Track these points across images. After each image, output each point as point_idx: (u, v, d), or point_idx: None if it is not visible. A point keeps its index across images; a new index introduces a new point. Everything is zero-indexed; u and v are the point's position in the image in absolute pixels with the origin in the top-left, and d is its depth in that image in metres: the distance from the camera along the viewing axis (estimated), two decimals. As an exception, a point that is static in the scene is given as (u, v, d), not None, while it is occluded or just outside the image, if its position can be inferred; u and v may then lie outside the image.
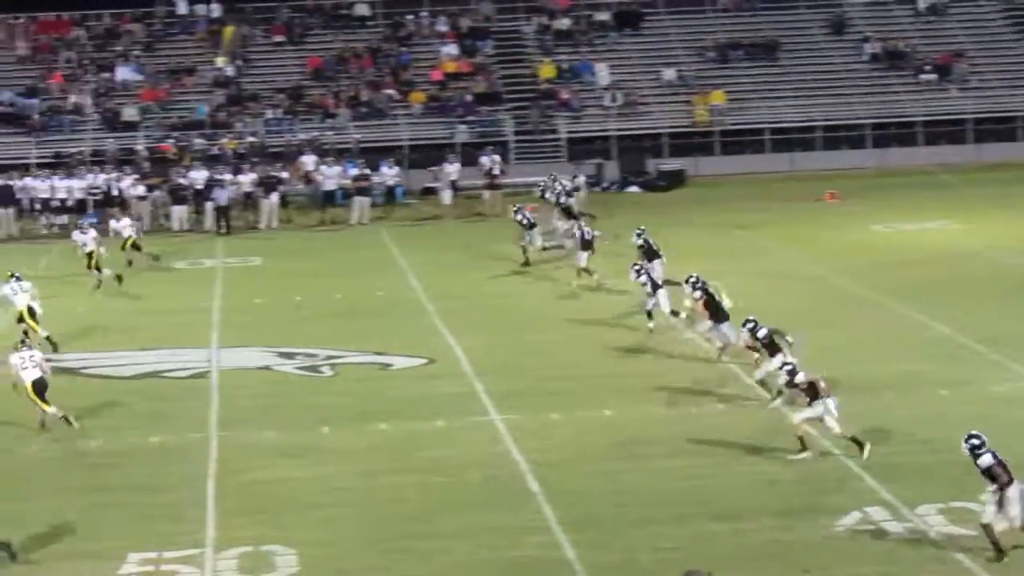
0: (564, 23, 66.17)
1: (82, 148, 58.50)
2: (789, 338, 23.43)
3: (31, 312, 32.40)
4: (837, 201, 52.03)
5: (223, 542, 20.32)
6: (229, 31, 65.83)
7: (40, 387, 25.13)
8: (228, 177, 52.13)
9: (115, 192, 51.24)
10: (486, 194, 52.12)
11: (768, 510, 19.73)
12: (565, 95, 61.89)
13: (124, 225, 43.22)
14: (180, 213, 50.79)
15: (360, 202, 50.87)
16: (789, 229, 46.22)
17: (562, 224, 43.44)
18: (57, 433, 26.03)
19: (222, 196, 50.01)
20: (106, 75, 63.37)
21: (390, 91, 61.98)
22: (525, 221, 39.72)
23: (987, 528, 17.69)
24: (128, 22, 66.78)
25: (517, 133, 60.88)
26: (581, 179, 50.37)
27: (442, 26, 65.97)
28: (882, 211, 49.49)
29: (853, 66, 63.53)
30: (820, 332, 27.82)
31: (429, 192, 54.12)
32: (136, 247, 41.19)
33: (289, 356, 31.71)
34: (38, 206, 51.94)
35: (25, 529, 20.44)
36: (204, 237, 49.23)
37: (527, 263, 40.09)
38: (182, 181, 52.06)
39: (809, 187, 54.44)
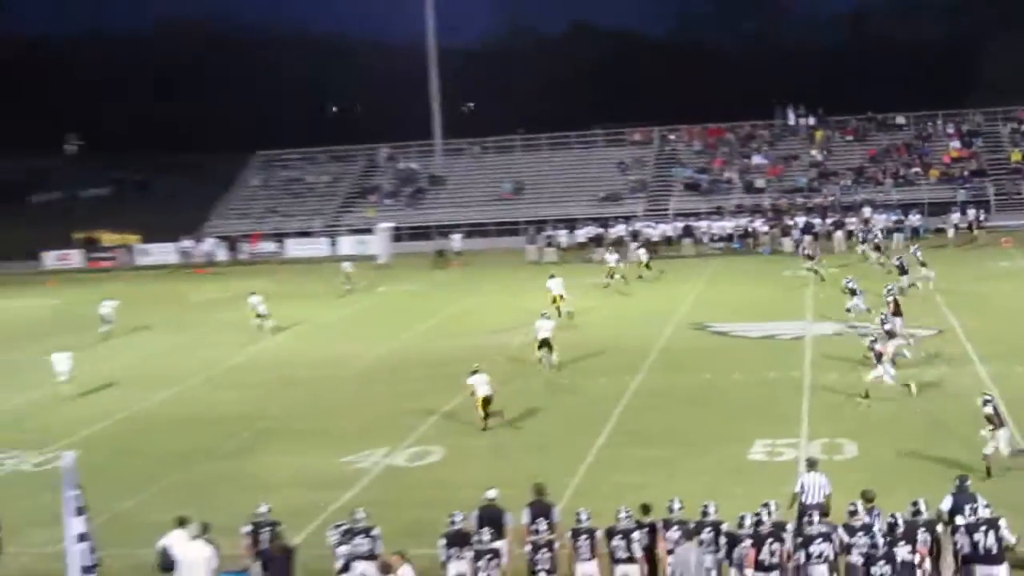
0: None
1: (731, 202, 79.38)
2: None
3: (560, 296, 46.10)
4: None
5: (813, 435, 28.15)
6: (820, 133, 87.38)
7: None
8: (818, 221, 70.74)
9: (749, 229, 72.63)
10: (976, 232, 68.21)
11: None
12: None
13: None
14: (789, 244, 67.81)
15: (896, 236, 65.93)
16: None
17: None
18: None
19: (808, 233, 66.36)
20: (746, 160, 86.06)
21: (917, 169, 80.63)
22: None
23: (986, 457, 24.11)
24: (759, 128, 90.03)
25: (996, 195, 77.10)
26: None
27: (950, 129, 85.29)
28: None
29: None
30: None
31: (940, 231, 70.26)
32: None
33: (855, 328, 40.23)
34: (705, 239, 72.82)
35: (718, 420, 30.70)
36: (798, 258, 60.57)
37: None
38: (789, 222, 71.02)
39: None
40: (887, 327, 35.71)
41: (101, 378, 42.53)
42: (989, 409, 25.16)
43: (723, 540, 19.08)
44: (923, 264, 50.25)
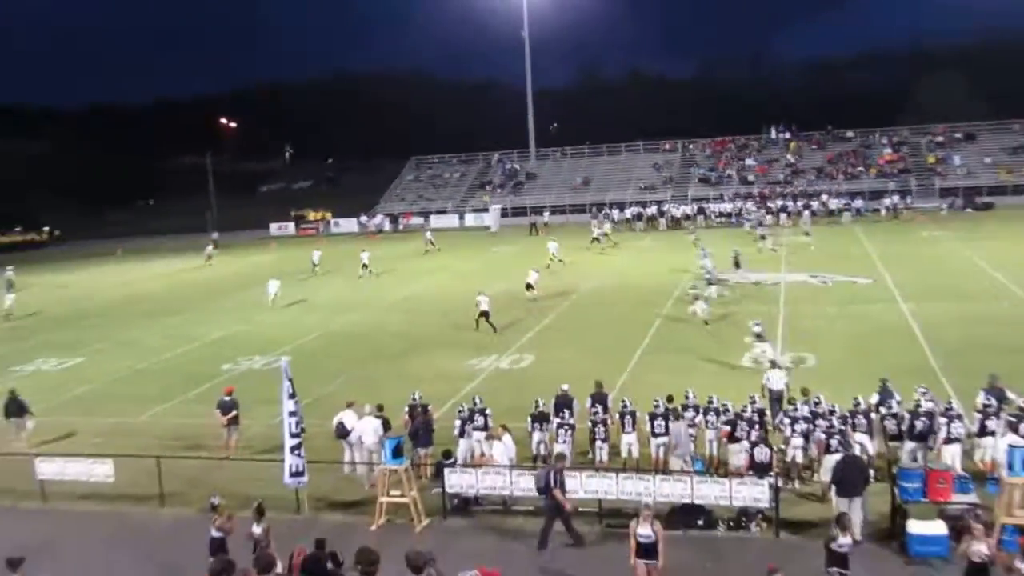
0: None
1: (730, 191, 78.26)
2: None
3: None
4: None
5: (784, 350, 27.61)
6: (793, 144, 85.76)
7: None
8: (791, 203, 69.73)
9: (743, 208, 70.26)
10: (901, 212, 66.97)
11: None
12: None
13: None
14: (771, 219, 67.04)
15: (845, 215, 68.83)
16: None
17: None
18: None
19: (783, 212, 70.84)
20: (742, 162, 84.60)
21: (861, 168, 78.15)
22: None
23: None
24: (751, 140, 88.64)
25: (916, 186, 73.91)
26: None
27: (885, 140, 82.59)
28: None
29: None
30: None
31: (876, 211, 67.71)
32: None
33: (815, 276, 41.07)
34: (712, 215, 71.18)
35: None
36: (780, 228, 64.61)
37: None
38: (771, 204, 70.37)
39: None
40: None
41: (307, 306, 43.43)
42: (757, 329, 27.14)
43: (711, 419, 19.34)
44: (806, 234, 55.14)
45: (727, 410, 19.24)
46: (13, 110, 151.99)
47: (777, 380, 21.54)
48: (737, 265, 43.53)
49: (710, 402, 19.59)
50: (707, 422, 19.30)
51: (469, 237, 68.79)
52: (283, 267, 58.59)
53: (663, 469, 18.10)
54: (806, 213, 67.47)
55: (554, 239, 54.38)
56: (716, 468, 18.75)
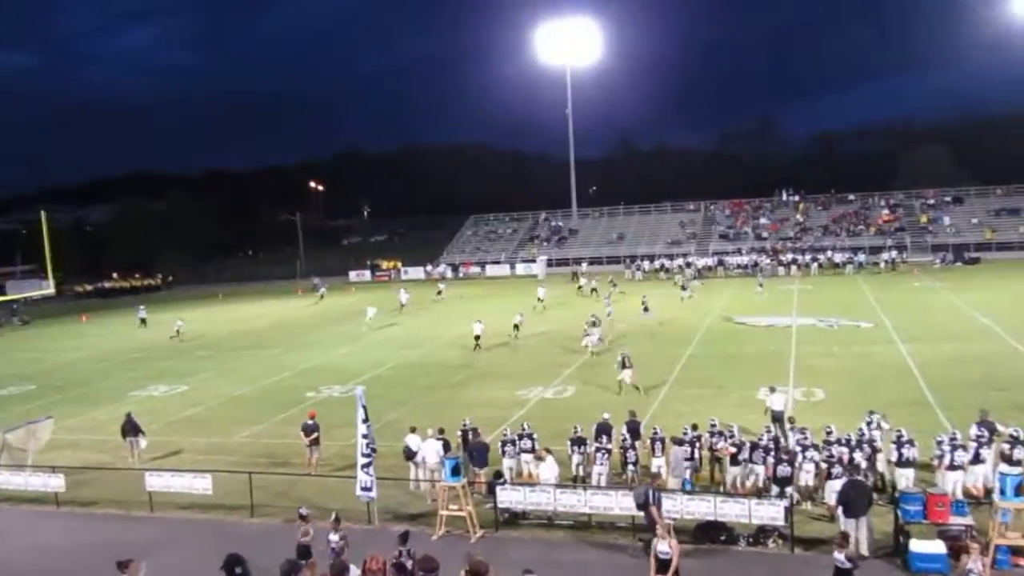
0: None
1: (746, 246, 77.10)
2: None
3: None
4: None
5: (796, 384, 27.57)
6: (801, 205, 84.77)
7: None
8: (800, 257, 69.28)
9: (757, 261, 69.23)
10: (897, 265, 65.20)
11: None
12: None
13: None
14: (782, 271, 67.08)
15: (848, 267, 68.40)
16: None
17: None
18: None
19: (793, 264, 68.94)
20: (756, 220, 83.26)
21: (861, 226, 76.57)
22: None
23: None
24: (764, 202, 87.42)
25: (911, 242, 72.44)
26: None
27: (882, 202, 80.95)
28: None
29: None
30: None
31: (875, 264, 66.52)
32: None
33: (823, 321, 39.99)
34: (731, 267, 70.05)
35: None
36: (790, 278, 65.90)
37: None
38: (782, 258, 69.20)
39: None
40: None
41: (380, 340, 43.37)
42: (620, 358, 28.47)
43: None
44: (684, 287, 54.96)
45: (732, 434, 18.79)
46: (141, 175, 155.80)
47: (778, 402, 21.32)
48: (645, 309, 44.51)
49: (713, 426, 19.29)
50: (712, 444, 18.91)
51: (519, 283, 68.45)
52: (360, 307, 58.87)
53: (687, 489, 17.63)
54: (813, 265, 67.29)
55: (544, 285, 55.37)
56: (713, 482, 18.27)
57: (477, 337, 38.78)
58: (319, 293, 70.21)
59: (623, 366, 28.26)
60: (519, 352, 37.42)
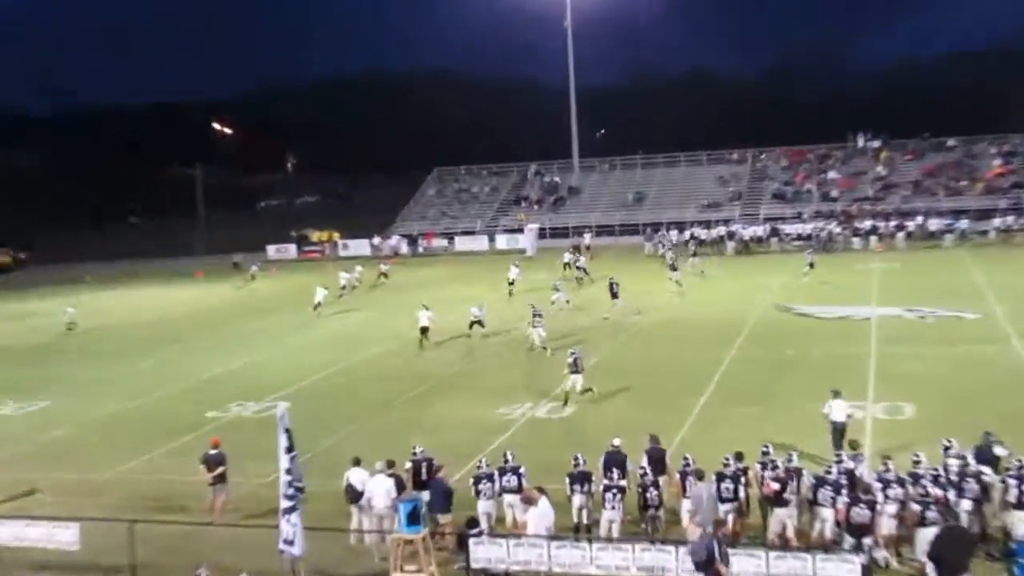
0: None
1: (809, 209, 78.57)
2: None
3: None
4: None
5: (877, 398, 27.54)
6: (884, 153, 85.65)
7: None
8: (882, 224, 70.28)
9: (826, 233, 70.47)
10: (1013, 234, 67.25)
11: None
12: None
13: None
14: (858, 242, 68.24)
15: (948, 237, 67.35)
16: None
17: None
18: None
19: (873, 234, 68.13)
20: (822, 175, 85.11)
21: (965, 182, 79.09)
22: None
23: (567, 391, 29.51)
24: (834, 150, 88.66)
25: None
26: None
27: (993, 149, 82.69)
28: None
29: None
30: None
31: (983, 232, 68.00)
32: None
33: (912, 311, 40.84)
34: (791, 237, 72.12)
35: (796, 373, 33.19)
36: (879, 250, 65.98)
37: None
38: (860, 226, 71.18)
39: None
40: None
41: (314, 339, 43.61)
42: (570, 359, 29.36)
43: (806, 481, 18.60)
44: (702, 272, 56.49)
45: (775, 464, 18.77)
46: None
47: (839, 411, 21.65)
48: (614, 295, 44.71)
49: (765, 454, 19.26)
50: (763, 478, 18.80)
51: (502, 262, 68.42)
52: (291, 291, 58.83)
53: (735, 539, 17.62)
54: (900, 235, 68.14)
55: (517, 263, 56.05)
56: (736, 538, 18.16)
57: (424, 330, 39.17)
58: (250, 274, 70.39)
59: (574, 369, 28.94)
60: (501, 357, 37.39)
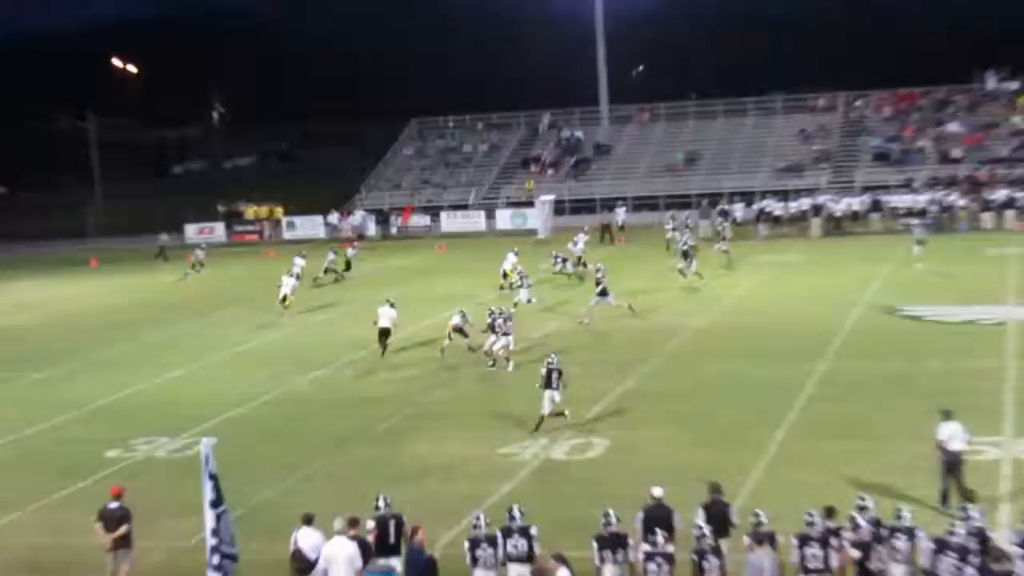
0: None
1: (924, 174, 78.09)
2: None
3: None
4: None
5: (1019, 431, 27.52)
6: (1021, 99, 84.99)
7: None
8: (1021, 195, 69.67)
9: (945, 204, 70.62)
10: None
11: None
12: None
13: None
14: (989, 219, 68.15)
15: None
16: None
17: None
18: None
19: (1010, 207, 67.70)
20: (940, 128, 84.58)
21: None
22: None
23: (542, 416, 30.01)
24: (956, 93, 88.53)
25: None
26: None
27: None
28: None
29: None
30: None
31: None
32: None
33: None
34: (899, 211, 71.49)
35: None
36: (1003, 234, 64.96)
37: None
38: (992, 197, 70.20)
39: None
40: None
41: (251, 351, 43.90)
42: (543, 370, 30.11)
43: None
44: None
45: (857, 525, 18.61)
46: None
47: (957, 438, 22.10)
48: (602, 293, 44.93)
49: (863, 508, 19.02)
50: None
51: (504, 247, 68.21)
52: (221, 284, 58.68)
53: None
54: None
55: (515, 249, 55.42)
56: None
57: (384, 333, 39.94)
58: (194, 259, 68.82)
59: (548, 383, 29.63)
60: (497, 377, 37.35)
